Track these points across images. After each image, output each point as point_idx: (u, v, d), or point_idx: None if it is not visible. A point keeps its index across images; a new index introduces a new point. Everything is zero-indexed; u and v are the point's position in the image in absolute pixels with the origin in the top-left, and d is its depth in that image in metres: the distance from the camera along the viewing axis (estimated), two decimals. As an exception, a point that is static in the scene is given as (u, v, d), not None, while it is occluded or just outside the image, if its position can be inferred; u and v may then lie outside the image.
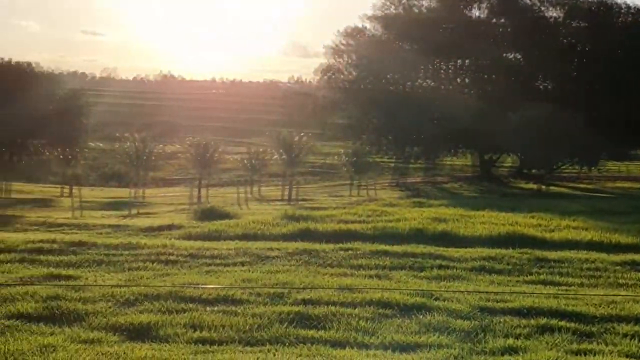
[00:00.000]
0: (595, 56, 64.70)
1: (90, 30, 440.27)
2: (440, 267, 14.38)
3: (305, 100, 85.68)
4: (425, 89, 70.38)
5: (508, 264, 15.08)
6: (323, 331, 8.54)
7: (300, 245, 16.84)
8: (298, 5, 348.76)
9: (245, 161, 56.14)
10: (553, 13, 70.21)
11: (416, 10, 70.15)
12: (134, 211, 36.50)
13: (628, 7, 69.59)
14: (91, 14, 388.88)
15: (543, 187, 57.50)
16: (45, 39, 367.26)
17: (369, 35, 70.49)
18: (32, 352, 7.28)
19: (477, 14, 70.84)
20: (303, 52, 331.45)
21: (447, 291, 10.85)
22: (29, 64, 63.63)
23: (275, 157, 55.16)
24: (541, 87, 70.44)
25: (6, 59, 63.08)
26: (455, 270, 14.12)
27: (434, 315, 9.20)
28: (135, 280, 11.77)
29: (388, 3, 70.17)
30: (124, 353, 7.45)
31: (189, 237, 20.45)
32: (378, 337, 8.34)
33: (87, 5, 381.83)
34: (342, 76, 71.68)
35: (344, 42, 71.24)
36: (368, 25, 71.11)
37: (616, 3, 69.07)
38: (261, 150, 57.20)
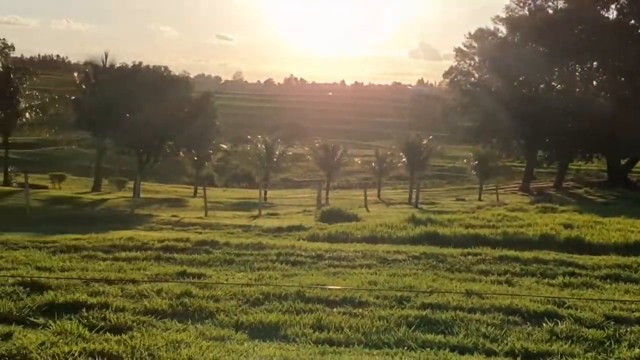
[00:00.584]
0: None
1: (222, 35, 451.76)
2: (570, 274, 13.98)
3: (433, 103, 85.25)
4: (557, 91, 68.65)
5: (642, 273, 14.51)
6: (448, 336, 8.45)
7: (425, 249, 16.72)
8: (429, 7, 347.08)
9: (372, 164, 56.32)
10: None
11: (550, 11, 68.54)
12: (255, 212, 37.15)
13: None
14: (223, 19, 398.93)
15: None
16: (181, 44, 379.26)
17: (497, 37, 69.41)
18: (164, 347, 7.50)
19: (613, 14, 68.61)
20: (433, 55, 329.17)
21: (577, 299, 10.54)
22: (165, 67, 65.88)
23: (402, 160, 55.03)
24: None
25: (144, 63, 65.51)
26: (586, 278, 13.69)
27: (563, 323, 8.96)
28: (262, 279, 11.98)
29: (515, 5, 68.98)
30: (252, 351, 7.59)
31: (314, 239, 20.64)
32: (505, 344, 8.19)
33: (219, 11, 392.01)
34: (472, 79, 70.90)
35: (470, 44, 70.49)
36: (500, 27, 70.17)
37: None
38: (388, 153, 57.20)
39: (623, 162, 69.31)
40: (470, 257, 15.59)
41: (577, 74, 69.63)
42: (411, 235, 21.22)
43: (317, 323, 8.78)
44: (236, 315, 9.12)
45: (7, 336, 7.75)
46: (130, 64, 64.95)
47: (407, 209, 40.20)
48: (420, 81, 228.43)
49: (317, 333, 8.41)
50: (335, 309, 9.49)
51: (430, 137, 57.10)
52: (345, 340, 8.27)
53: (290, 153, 58.99)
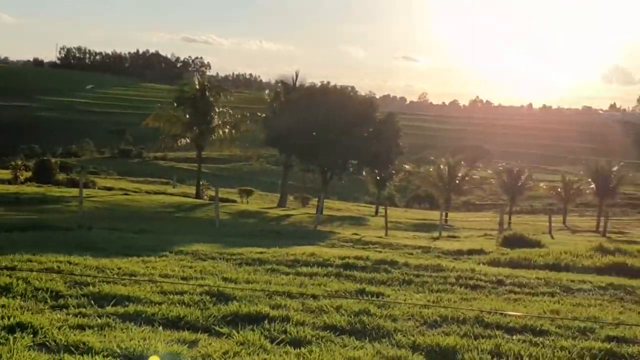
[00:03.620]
0: None
1: (408, 56, 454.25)
2: None
3: (625, 129, 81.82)
4: None
5: None
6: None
7: (613, 279, 16.07)
8: (624, 29, 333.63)
9: (559, 189, 54.66)
10: None
11: None
12: (436, 233, 36.92)
13: None
14: (409, 41, 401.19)
15: None
16: (368, 64, 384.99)
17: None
18: (341, 363, 7.64)
19: None
20: (627, 79, 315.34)
21: None
22: (352, 87, 67.04)
23: (591, 186, 53.07)
24: None
25: (332, 82, 66.99)
26: None
27: None
28: (440, 301, 11.92)
29: None
30: (428, 373, 7.59)
31: (495, 263, 20.30)
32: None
33: (406, 32, 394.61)
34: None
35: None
36: None
37: None
38: (575, 179, 55.35)
39: None
40: (661, 290, 14.83)
41: None
42: (598, 264, 20.45)
43: (495, 349, 8.65)
44: (413, 336, 9.13)
45: (194, 343, 8.15)
46: (318, 83, 66.61)
47: (594, 237, 38.69)
48: (613, 106, 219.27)
49: (495, 359, 8.29)
50: (514, 337, 9.31)
51: (622, 163, 54.72)
52: (524, 368, 8.10)
53: (473, 176, 58.26)
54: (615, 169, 53.29)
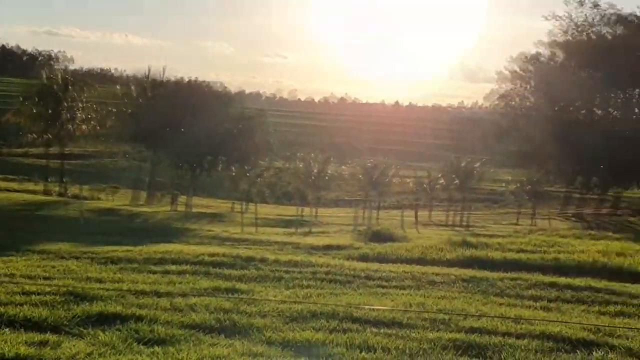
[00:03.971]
0: None
1: (278, 53, 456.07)
2: (622, 303, 13.75)
3: (473, 126, 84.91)
4: (614, 117, 67.72)
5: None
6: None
7: (468, 272, 16.62)
8: (468, 30, 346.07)
9: (423, 185, 56.14)
10: None
11: (609, 37, 67.68)
12: (305, 229, 37.20)
13: None
14: (280, 38, 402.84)
15: None
16: (237, 61, 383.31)
17: (549, 62, 68.76)
18: (210, 362, 7.56)
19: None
20: (472, 77, 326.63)
21: (628, 329, 10.35)
22: (221, 83, 66.57)
23: (455, 182, 54.76)
24: None
25: (200, 78, 66.36)
26: (630, 307, 13.44)
27: (613, 352, 8.80)
28: (310, 297, 11.99)
29: (573, 29, 68.22)
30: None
31: (363, 258, 20.64)
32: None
33: (275, 29, 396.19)
34: (511, 102, 70.34)
35: (521, 68, 69.99)
36: (542, 51, 69.55)
37: None
38: (439, 174, 56.98)
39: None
40: (512, 281, 15.46)
41: (634, 100, 68.65)
42: (460, 258, 21.13)
43: (363, 343, 8.76)
44: (283, 332, 9.14)
45: (57, 345, 7.89)
46: (186, 79, 65.85)
47: (457, 231, 39.95)
48: (461, 103, 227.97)
49: (363, 353, 8.39)
50: (382, 330, 9.46)
51: (483, 159, 56.79)
52: (386, 361, 8.23)
53: (343, 172, 59.15)
54: (477, 165, 55.23)
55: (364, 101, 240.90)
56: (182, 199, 57.40)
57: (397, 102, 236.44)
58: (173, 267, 14.96)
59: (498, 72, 71.36)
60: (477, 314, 10.72)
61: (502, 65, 71.96)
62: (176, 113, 57.05)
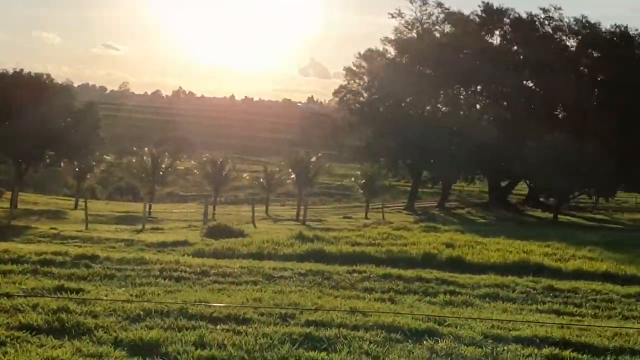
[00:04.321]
0: (616, 87, 64.24)
1: (109, 44, 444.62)
2: (451, 292, 14.29)
3: (322, 121, 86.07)
4: (443, 113, 70.34)
5: (520, 292, 14.97)
6: (332, 354, 8.44)
7: (312, 266, 16.78)
8: (320, 25, 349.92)
9: (260, 180, 56.18)
10: (573, 42, 70.22)
11: (437, 35, 70.21)
12: (138, 226, 36.46)
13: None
14: (111, 28, 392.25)
15: (557, 216, 57.20)
16: (65, 52, 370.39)
17: (386, 59, 70.59)
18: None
19: (497, 41, 70.92)
20: (323, 73, 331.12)
21: (457, 317, 10.74)
22: (48, 75, 63.88)
23: (291, 177, 55.15)
24: (560, 116, 70.09)
25: (25, 70, 63.38)
26: (466, 296, 14.02)
27: (443, 341, 9.09)
28: (143, 295, 11.72)
29: (403, 27, 70.35)
30: (130, 369, 7.39)
31: (199, 254, 20.39)
32: (386, 362, 8.23)
33: (106, 19, 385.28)
34: (361, 98, 71.80)
35: (359, 64, 71.49)
36: (381, 48, 71.39)
37: (639, 34, 68.69)
38: (276, 169, 57.20)
39: (503, 184, 71.56)
40: (355, 274, 15.75)
41: (461, 97, 71.57)
42: (298, 252, 21.28)
43: (199, 340, 8.63)
44: (115, 332, 8.87)
45: None
46: (10, 71, 62.77)
47: (294, 226, 40.27)
48: (310, 99, 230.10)
49: (199, 350, 8.27)
50: (218, 326, 9.36)
51: (319, 154, 57.47)
52: (228, 357, 8.15)
53: (177, 167, 58.23)
54: (313, 159, 55.82)
55: (204, 95, 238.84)
56: (7, 195, 54.85)
57: (232, 96, 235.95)
58: (-3, 267, 14.23)
59: (346, 68, 72.49)
60: (313, 308, 10.80)
61: (351, 61, 72.87)
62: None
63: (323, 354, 8.41)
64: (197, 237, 28.30)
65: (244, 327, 9.38)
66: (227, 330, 9.17)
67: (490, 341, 9.27)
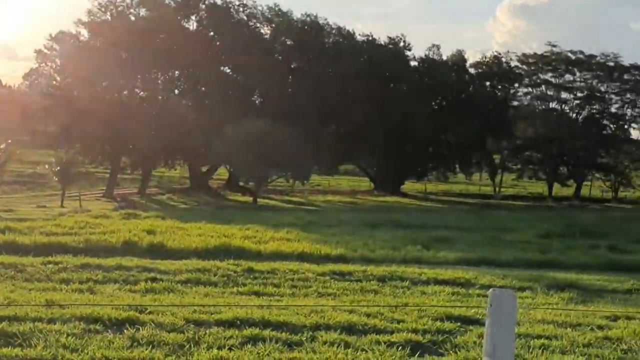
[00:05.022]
0: (307, 74, 67.48)
1: None
2: (152, 280, 14.20)
3: (12, 106, 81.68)
4: (141, 98, 69.53)
5: (221, 276, 15.22)
6: (27, 349, 8.00)
7: (3, 258, 15.91)
8: (10, 5, 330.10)
9: None
10: (267, 29, 72.69)
11: (132, 18, 69.05)
12: None
13: (339, 28, 73.59)
14: None
15: (257, 199, 59.00)
16: None
17: (79, 41, 68.26)
18: None
19: (194, 26, 71.31)
20: (12, 55, 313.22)
21: (158, 305, 10.67)
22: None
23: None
24: (257, 102, 72.21)
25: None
26: (168, 283, 14.00)
27: (144, 329, 8.97)
28: None
29: (97, 9, 68.36)
30: None
31: None
32: (86, 354, 7.96)
33: None
34: (54, 82, 68.86)
35: (51, 46, 68.61)
36: (80, 30, 69.02)
37: (328, 24, 72.76)
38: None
39: (204, 169, 72.39)
40: (50, 265, 15.18)
41: (159, 82, 71.05)
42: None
43: None
44: None
45: None
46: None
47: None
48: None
49: None
50: None
51: (9, 141, 54.39)
52: None
53: None
54: (2, 146, 52.73)
55: None
56: None
57: None
58: None
59: (37, 51, 68.84)
60: (5, 303, 10.19)
61: (43, 44, 69.13)
62: None
63: (18, 349, 7.96)
64: None
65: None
66: None
67: (192, 326, 9.31)
